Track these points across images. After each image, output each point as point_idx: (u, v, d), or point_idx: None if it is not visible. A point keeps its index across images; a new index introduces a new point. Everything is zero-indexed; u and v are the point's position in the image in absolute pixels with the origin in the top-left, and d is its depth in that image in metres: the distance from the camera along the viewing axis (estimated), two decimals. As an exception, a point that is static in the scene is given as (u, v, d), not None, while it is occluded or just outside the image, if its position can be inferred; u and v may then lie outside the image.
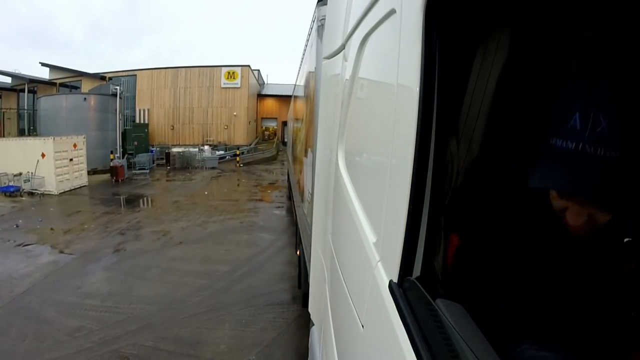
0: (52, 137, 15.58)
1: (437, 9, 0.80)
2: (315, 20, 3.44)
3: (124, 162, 19.23)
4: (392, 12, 1.01)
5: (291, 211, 9.68)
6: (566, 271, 0.91)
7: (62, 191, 15.33)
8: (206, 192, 15.29)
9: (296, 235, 6.52)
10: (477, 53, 1.09)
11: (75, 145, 16.44)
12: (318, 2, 3.21)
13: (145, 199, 14.48)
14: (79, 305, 5.96)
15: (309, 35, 4.43)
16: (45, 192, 15.07)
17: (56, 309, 5.86)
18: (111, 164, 18.70)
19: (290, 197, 10.75)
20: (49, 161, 15.09)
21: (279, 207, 12.66)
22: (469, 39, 1.10)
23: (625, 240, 0.91)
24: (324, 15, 2.94)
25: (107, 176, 18.38)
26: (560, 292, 0.89)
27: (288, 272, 6.97)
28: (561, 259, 0.91)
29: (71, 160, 16.05)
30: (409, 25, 0.88)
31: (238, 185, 17.67)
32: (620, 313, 0.86)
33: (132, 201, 13.98)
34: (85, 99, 21.14)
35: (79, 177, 16.64)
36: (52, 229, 10.17)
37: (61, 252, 8.36)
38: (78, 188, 16.20)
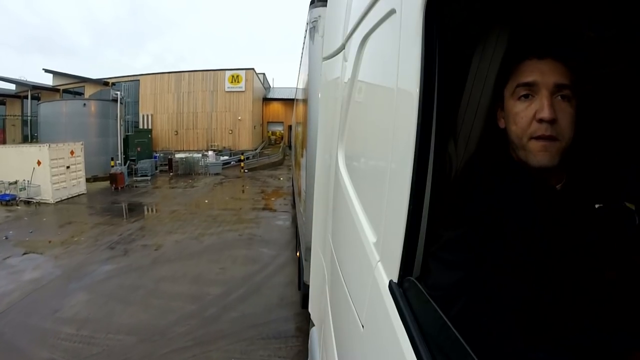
0: (48, 144, 15.08)
1: (437, 9, 0.79)
2: (308, 23, 3.44)
3: (124, 169, 18.65)
4: (392, 12, 1.01)
5: (295, 221, 8.98)
6: (566, 270, 0.90)
7: (59, 200, 14.84)
8: (206, 201, 14.50)
9: (296, 238, 6.58)
10: (476, 53, 1.06)
11: (72, 152, 15.91)
12: (310, 3, 3.19)
13: (142, 208, 13.75)
14: (53, 333, 5.35)
15: (305, 37, 4.47)
16: (41, 201, 14.60)
17: (29, 336, 5.32)
18: (111, 171, 18.13)
19: (294, 205, 10.12)
20: (45, 169, 14.61)
21: (282, 216, 11.84)
22: (469, 39, 1.08)
23: (597, 206, 0.95)
24: (315, 18, 2.99)
25: (107, 183, 17.80)
26: (561, 291, 0.88)
27: (288, 296, 6.12)
28: (561, 258, 0.89)
29: (68, 167, 15.53)
30: (409, 25, 0.87)
31: (242, 192, 16.91)
32: (620, 313, 0.88)
33: (129, 211, 13.29)
34: (84, 104, 20.71)
35: (77, 185, 16.10)
36: (41, 241, 9.58)
37: (45, 268, 7.76)
38: (76, 196, 15.68)
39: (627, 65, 1.04)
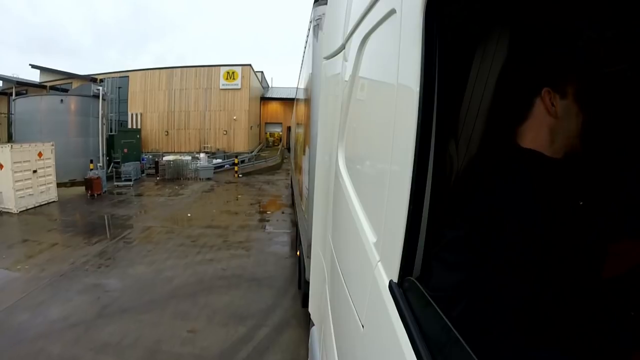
0: (10, 145, 13.17)
1: (437, 9, 0.79)
2: (312, 21, 3.42)
3: (102, 173, 16.55)
4: (392, 12, 1.00)
5: (295, 242, 7.30)
6: (567, 270, 0.89)
7: (23, 209, 12.93)
8: (189, 214, 12.36)
9: (297, 237, 6.56)
10: (476, 53, 1.07)
11: (40, 154, 13.90)
12: (314, 2, 3.19)
13: (111, 223, 11.65)
14: None
15: (307, 36, 4.40)
16: (3, 210, 12.70)
17: None
18: (87, 175, 16.07)
19: (296, 224, 8.46)
20: (7, 173, 12.65)
21: (280, 238, 9.73)
22: (469, 39, 1.08)
23: (580, 203, 0.92)
24: (320, 15, 3.07)
25: (83, 189, 15.76)
26: (562, 291, 0.88)
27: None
28: (562, 258, 0.89)
29: (35, 172, 13.54)
30: (409, 25, 0.87)
31: (233, 201, 14.82)
32: (621, 313, 0.87)
33: (95, 226, 11.21)
34: (62, 100, 18.59)
35: (46, 191, 14.11)
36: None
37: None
38: (45, 204, 13.76)
39: (627, 65, 0.97)
